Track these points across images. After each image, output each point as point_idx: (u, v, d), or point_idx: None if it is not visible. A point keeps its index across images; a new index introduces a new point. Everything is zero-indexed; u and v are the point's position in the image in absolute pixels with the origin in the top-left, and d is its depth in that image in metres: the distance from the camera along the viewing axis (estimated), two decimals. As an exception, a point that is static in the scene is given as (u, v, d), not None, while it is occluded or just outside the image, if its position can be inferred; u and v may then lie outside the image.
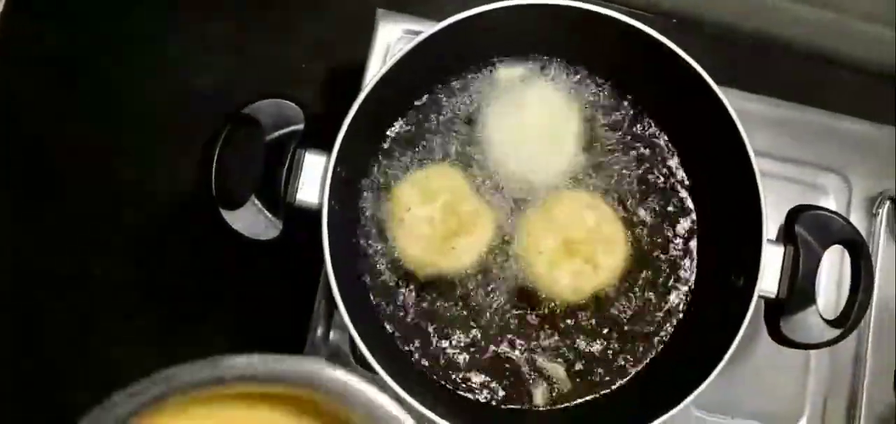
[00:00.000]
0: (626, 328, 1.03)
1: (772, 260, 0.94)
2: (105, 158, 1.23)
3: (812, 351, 1.11)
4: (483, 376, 1.01)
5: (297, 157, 0.93)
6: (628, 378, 1.02)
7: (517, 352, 1.02)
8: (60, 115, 1.24)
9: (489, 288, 1.02)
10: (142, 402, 0.72)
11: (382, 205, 1.02)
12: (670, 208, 1.05)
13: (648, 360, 1.03)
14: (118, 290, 1.22)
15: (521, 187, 1.03)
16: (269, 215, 0.92)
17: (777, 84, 1.21)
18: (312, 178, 0.93)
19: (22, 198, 1.23)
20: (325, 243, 0.91)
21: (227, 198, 0.91)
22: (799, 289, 0.94)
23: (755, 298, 0.93)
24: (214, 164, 0.90)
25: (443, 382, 1.01)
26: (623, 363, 1.02)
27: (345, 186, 0.97)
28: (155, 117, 1.25)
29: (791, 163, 1.16)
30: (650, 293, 1.03)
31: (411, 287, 1.02)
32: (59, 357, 1.20)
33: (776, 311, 0.95)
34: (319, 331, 1.09)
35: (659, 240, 1.04)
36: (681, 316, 1.03)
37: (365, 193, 1.03)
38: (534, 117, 1.04)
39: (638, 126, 1.06)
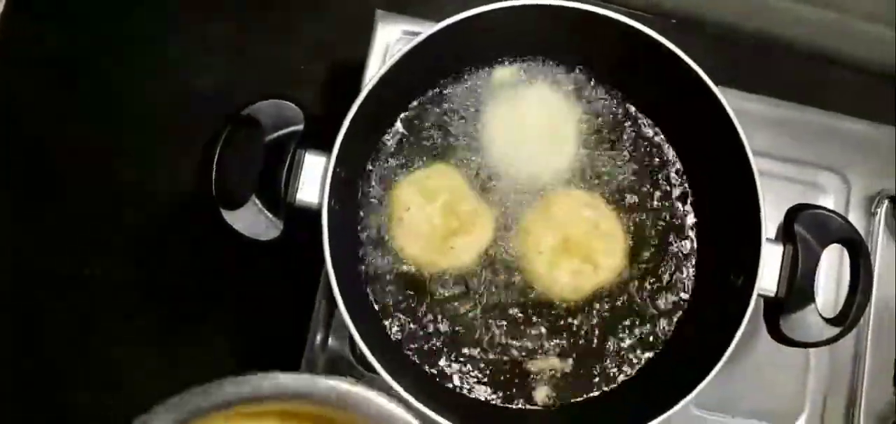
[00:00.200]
0: (625, 326, 1.03)
1: (771, 259, 0.94)
2: (105, 159, 1.23)
3: (811, 350, 1.11)
4: (483, 375, 1.01)
5: (297, 158, 0.93)
6: (628, 376, 1.02)
7: (517, 351, 1.02)
8: (61, 116, 1.24)
9: (489, 288, 1.02)
10: (179, 417, 0.74)
11: (382, 205, 1.03)
12: (669, 207, 1.05)
13: (648, 359, 1.03)
14: (118, 290, 1.22)
15: (521, 187, 1.03)
16: (270, 215, 0.92)
17: (777, 84, 1.22)
18: (312, 178, 0.93)
19: (22, 199, 1.23)
20: (325, 243, 0.91)
21: (227, 199, 0.91)
22: (798, 288, 0.94)
23: (754, 297, 0.93)
24: (215, 165, 0.90)
25: (443, 381, 1.01)
26: (623, 361, 1.03)
27: (345, 186, 0.97)
28: (155, 118, 1.25)
29: (790, 163, 1.16)
30: (649, 291, 1.03)
31: (411, 286, 1.02)
32: (60, 357, 1.20)
33: (775, 310, 0.95)
34: (319, 331, 1.09)
35: (658, 240, 1.04)
36: (680, 314, 1.03)
37: (365, 193, 1.03)
38: (533, 117, 1.04)
39: (637, 126, 1.06)
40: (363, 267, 1.02)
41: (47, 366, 1.20)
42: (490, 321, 1.02)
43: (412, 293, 1.02)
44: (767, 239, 0.94)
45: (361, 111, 0.93)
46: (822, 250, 0.95)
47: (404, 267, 1.02)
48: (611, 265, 1.02)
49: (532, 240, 1.01)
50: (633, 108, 1.06)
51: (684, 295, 1.04)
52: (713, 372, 0.91)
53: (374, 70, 1.06)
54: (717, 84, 0.95)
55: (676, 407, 0.92)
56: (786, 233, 0.96)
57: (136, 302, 1.22)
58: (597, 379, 1.02)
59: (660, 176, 1.05)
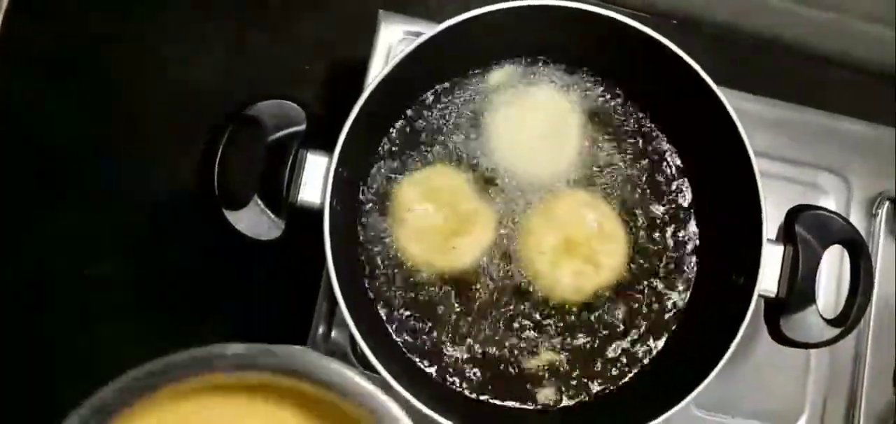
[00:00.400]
0: (626, 327, 1.03)
1: (772, 260, 0.94)
2: (104, 158, 1.23)
3: (812, 351, 1.11)
4: (484, 375, 1.01)
5: (299, 158, 0.93)
6: (629, 377, 1.02)
7: (518, 352, 1.02)
8: (60, 115, 1.24)
9: (490, 288, 1.02)
10: (131, 393, 0.73)
11: (384, 205, 1.03)
12: (670, 207, 1.05)
13: (649, 359, 1.03)
14: (117, 291, 1.21)
15: (522, 187, 1.03)
16: (272, 215, 0.92)
17: (777, 84, 1.21)
18: (314, 179, 0.93)
19: (21, 198, 1.23)
20: (326, 243, 0.91)
21: (229, 199, 0.91)
22: (799, 289, 0.94)
23: (755, 297, 0.93)
24: (217, 164, 0.90)
25: (445, 381, 1.01)
26: (624, 362, 1.03)
27: (346, 186, 0.97)
28: (155, 117, 1.25)
29: (790, 164, 1.16)
30: (651, 292, 1.04)
31: (413, 286, 1.02)
32: (59, 357, 1.20)
33: (776, 310, 0.95)
34: (321, 331, 1.09)
35: (659, 240, 1.04)
36: (681, 315, 1.04)
37: (366, 193, 1.03)
38: (535, 118, 1.05)
39: (638, 126, 1.06)
40: (364, 267, 1.02)
41: (46, 367, 1.20)
42: (491, 321, 1.02)
43: (414, 293, 1.02)
44: (768, 239, 0.94)
45: (364, 111, 0.93)
46: (823, 251, 0.95)
47: (406, 267, 1.02)
48: (612, 265, 1.02)
49: (534, 241, 1.01)
50: (634, 109, 1.06)
51: (685, 296, 1.04)
52: (714, 373, 0.92)
53: (377, 70, 1.05)
54: (716, 84, 0.95)
55: (677, 408, 0.92)
56: (787, 234, 0.96)
57: (135, 302, 1.21)
58: (597, 380, 1.02)
59: (661, 176, 1.05)
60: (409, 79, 0.98)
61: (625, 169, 1.05)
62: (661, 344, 1.03)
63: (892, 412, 1.12)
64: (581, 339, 1.02)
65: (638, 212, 1.04)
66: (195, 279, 1.22)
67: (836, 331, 0.95)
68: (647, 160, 1.06)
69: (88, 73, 1.26)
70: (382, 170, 1.04)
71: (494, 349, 1.02)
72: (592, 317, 1.03)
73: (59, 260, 1.22)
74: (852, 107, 1.20)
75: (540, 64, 1.06)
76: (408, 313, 1.02)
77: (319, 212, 0.92)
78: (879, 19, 1.20)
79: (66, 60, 1.26)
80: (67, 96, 1.25)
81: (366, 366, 1.04)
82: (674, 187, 1.05)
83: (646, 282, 1.04)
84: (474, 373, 1.01)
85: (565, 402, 1.02)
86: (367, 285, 1.02)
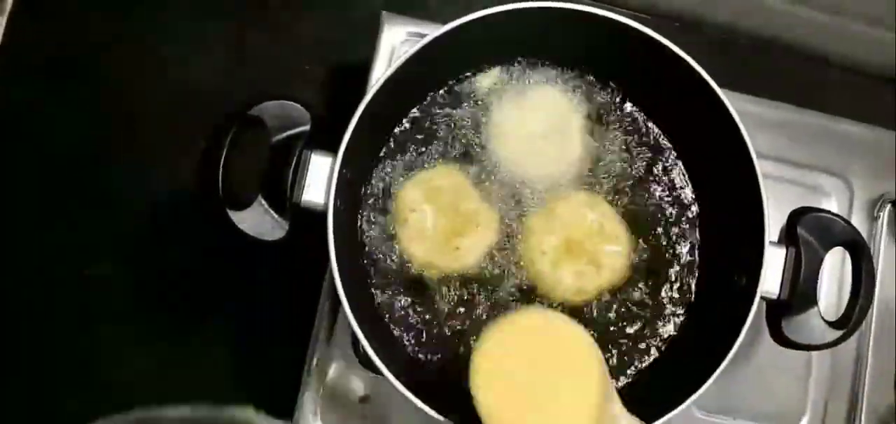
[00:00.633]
0: (628, 328, 1.03)
1: (773, 262, 0.94)
2: (105, 159, 1.23)
3: (813, 353, 1.12)
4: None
5: (303, 158, 0.93)
6: (630, 378, 1.03)
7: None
8: (60, 116, 1.24)
9: (493, 288, 1.02)
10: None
11: (387, 206, 1.03)
12: (672, 209, 1.05)
13: (650, 360, 1.03)
14: (118, 291, 1.22)
15: (525, 188, 1.04)
16: (275, 215, 0.92)
17: (778, 86, 1.22)
18: (318, 179, 0.93)
19: (22, 200, 1.23)
20: (330, 243, 0.91)
21: (233, 199, 0.91)
22: (800, 291, 0.94)
23: (757, 299, 0.93)
24: (221, 165, 0.90)
25: (446, 381, 1.01)
26: (625, 363, 1.03)
27: (350, 187, 0.97)
28: (155, 117, 1.25)
29: (792, 166, 1.16)
30: (653, 293, 1.04)
31: (415, 286, 1.02)
32: (59, 358, 1.20)
33: (778, 312, 0.95)
34: (323, 331, 1.09)
35: (661, 241, 1.05)
36: (683, 316, 1.04)
37: (370, 194, 1.03)
38: (537, 119, 1.05)
39: (641, 128, 1.06)
40: (368, 268, 1.02)
41: (46, 367, 1.20)
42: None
43: (416, 293, 1.02)
44: (770, 241, 0.94)
45: (367, 112, 0.94)
46: (825, 253, 0.95)
47: (409, 268, 1.02)
48: (614, 266, 1.02)
49: (535, 241, 1.01)
50: (637, 111, 1.06)
51: (687, 297, 1.04)
52: (716, 374, 0.92)
53: (380, 71, 1.06)
54: (717, 86, 0.95)
55: (678, 410, 0.92)
56: (788, 236, 0.96)
57: (136, 303, 1.22)
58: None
59: (663, 178, 1.05)
60: (412, 80, 0.98)
61: (626, 170, 1.05)
62: (662, 345, 1.03)
63: (893, 414, 1.12)
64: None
65: (639, 212, 1.04)
66: (196, 279, 1.22)
67: (837, 333, 0.94)
68: (648, 161, 1.06)
69: (89, 75, 1.26)
70: (385, 171, 1.04)
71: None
72: (594, 318, 1.03)
73: (59, 260, 1.22)
74: (853, 110, 1.20)
75: (542, 65, 1.06)
76: (410, 313, 1.02)
77: (323, 212, 0.92)
78: (880, 22, 1.21)
79: (66, 62, 1.26)
80: (68, 98, 1.25)
81: (368, 366, 1.04)
82: (675, 188, 1.05)
83: (647, 284, 1.04)
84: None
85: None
86: (369, 285, 1.02)
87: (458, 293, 1.02)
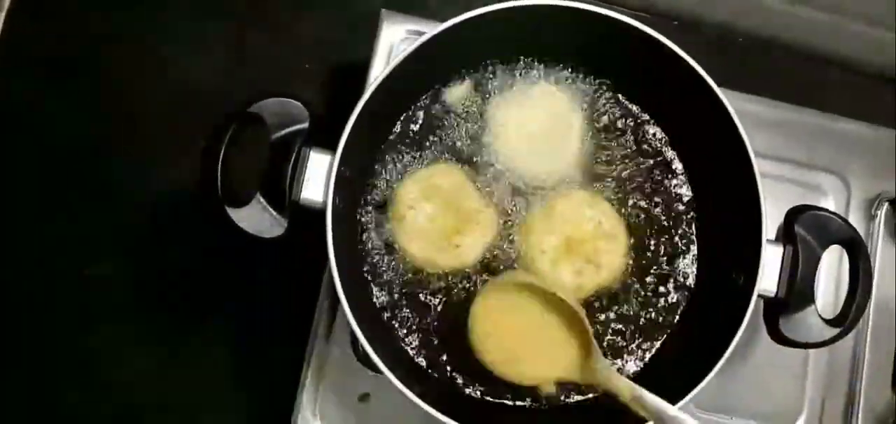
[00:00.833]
0: (626, 326, 1.03)
1: (771, 260, 0.95)
2: (105, 158, 1.23)
3: (810, 351, 1.12)
4: (484, 373, 1.01)
5: (302, 156, 0.93)
6: (629, 376, 1.03)
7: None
8: (60, 115, 1.25)
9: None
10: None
11: (386, 203, 1.03)
12: (671, 207, 1.05)
13: (648, 358, 1.03)
14: (118, 291, 1.22)
15: (524, 186, 1.04)
16: (274, 213, 0.92)
17: (776, 85, 1.22)
18: (317, 176, 0.93)
19: (22, 198, 1.23)
20: (328, 241, 0.91)
21: (232, 196, 0.91)
22: (798, 289, 0.95)
23: (754, 297, 0.93)
24: (220, 162, 0.90)
25: (445, 379, 1.01)
26: (623, 361, 1.03)
27: (348, 184, 0.97)
28: (155, 116, 1.25)
29: (790, 164, 1.16)
30: (651, 291, 1.04)
31: (414, 284, 1.02)
32: (59, 357, 1.20)
33: (775, 310, 0.96)
34: (322, 329, 1.09)
35: (659, 239, 1.05)
36: (680, 314, 1.04)
37: (368, 191, 1.03)
38: (536, 117, 1.05)
39: (640, 126, 1.06)
40: (366, 265, 1.02)
41: (46, 366, 1.20)
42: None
43: (415, 291, 1.02)
44: (768, 239, 0.94)
45: (366, 110, 0.94)
46: (823, 251, 0.95)
47: (407, 265, 1.02)
48: (612, 264, 1.02)
49: (535, 240, 1.01)
50: (635, 109, 1.07)
51: (685, 295, 1.04)
52: (713, 372, 0.92)
53: (379, 69, 1.06)
54: (716, 84, 0.96)
55: (676, 407, 0.91)
56: (786, 234, 0.96)
57: (135, 302, 1.22)
58: (597, 379, 1.02)
59: (661, 176, 1.06)
60: (410, 77, 0.98)
61: (625, 168, 1.05)
62: (660, 343, 1.04)
63: (890, 412, 1.12)
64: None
65: (638, 211, 1.05)
66: (196, 278, 1.22)
67: (834, 331, 0.95)
68: (647, 159, 1.06)
69: (88, 74, 1.26)
70: (384, 169, 1.04)
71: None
72: (593, 316, 1.03)
73: (59, 259, 1.22)
74: (852, 108, 1.20)
75: (542, 64, 1.06)
76: (409, 310, 1.02)
77: (322, 210, 0.92)
78: (879, 21, 1.21)
79: (66, 60, 1.26)
80: (68, 96, 1.25)
81: (367, 364, 1.05)
82: (674, 187, 1.05)
83: (646, 282, 1.04)
84: (475, 370, 1.01)
85: (565, 400, 1.02)
86: (368, 283, 1.02)
87: (456, 291, 1.02)
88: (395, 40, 1.14)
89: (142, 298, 1.22)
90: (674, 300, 1.04)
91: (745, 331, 0.92)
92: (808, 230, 0.95)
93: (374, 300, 1.02)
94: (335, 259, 0.91)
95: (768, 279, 0.95)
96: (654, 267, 1.04)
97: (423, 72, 1.01)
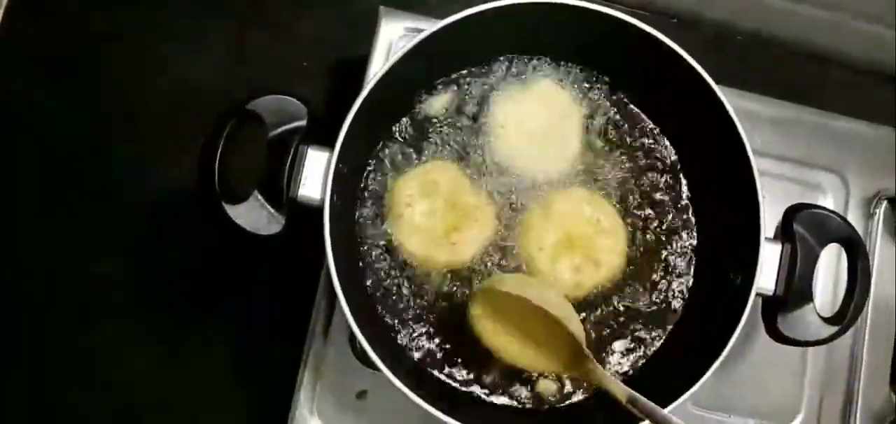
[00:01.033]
0: (624, 324, 1.03)
1: (769, 258, 0.95)
2: (104, 156, 1.23)
3: (809, 349, 1.12)
4: (482, 371, 1.01)
5: (299, 153, 0.93)
6: (627, 374, 1.03)
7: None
8: (60, 114, 1.24)
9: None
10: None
11: (383, 200, 1.03)
12: (669, 205, 1.05)
13: (646, 356, 1.03)
14: (118, 289, 1.22)
15: (522, 183, 1.04)
16: (272, 210, 0.92)
17: (775, 83, 1.22)
18: (315, 174, 0.93)
19: (22, 198, 1.23)
20: (326, 238, 0.91)
21: (230, 193, 0.91)
22: (796, 287, 0.95)
23: (753, 295, 0.93)
24: (218, 159, 0.90)
25: (443, 377, 1.01)
26: (621, 359, 1.03)
27: (346, 181, 0.98)
28: (155, 116, 1.25)
29: (788, 163, 1.16)
30: (649, 289, 1.04)
31: (412, 281, 1.02)
32: (59, 357, 1.20)
33: (773, 308, 0.96)
34: (320, 326, 1.09)
35: (658, 237, 1.05)
36: (679, 312, 1.04)
37: (366, 188, 1.03)
38: (535, 114, 1.05)
39: (638, 124, 1.07)
40: (364, 262, 1.02)
41: (46, 366, 1.20)
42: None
43: (413, 288, 1.02)
44: (766, 237, 0.94)
45: (364, 107, 0.94)
46: (821, 249, 0.95)
47: (405, 262, 1.02)
48: (611, 262, 1.02)
49: (533, 237, 1.01)
50: (634, 107, 1.07)
51: (683, 293, 1.04)
52: (711, 370, 0.92)
53: (378, 66, 1.06)
54: (714, 82, 0.96)
55: (674, 405, 0.92)
56: (784, 233, 0.96)
57: (135, 301, 1.22)
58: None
59: (660, 174, 1.06)
60: (409, 75, 0.98)
61: (624, 166, 1.05)
62: (658, 341, 1.04)
63: (888, 410, 1.12)
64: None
65: (637, 209, 1.05)
66: (196, 277, 1.22)
67: (833, 330, 0.95)
68: (645, 157, 1.06)
69: (88, 73, 1.26)
70: (382, 166, 1.04)
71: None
72: (592, 314, 1.03)
73: (59, 258, 1.22)
74: (851, 107, 1.20)
75: (541, 61, 1.06)
76: (407, 308, 1.02)
77: (320, 207, 0.92)
78: (878, 19, 1.21)
79: (66, 60, 1.26)
80: (67, 95, 1.25)
81: (365, 362, 1.04)
82: (672, 185, 1.05)
83: (644, 280, 1.04)
84: (473, 369, 1.01)
85: (563, 399, 1.02)
86: (366, 280, 1.02)
87: (455, 288, 1.02)
88: (394, 37, 1.14)
89: (142, 297, 1.22)
90: (672, 298, 1.04)
91: (744, 329, 0.92)
92: (806, 228, 0.95)
93: (372, 297, 1.02)
94: (333, 256, 0.91)
95: (766, 277, 0.95)
96: (653, 265, 1.04)
97: (422, 69, 1.01)
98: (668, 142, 1.06)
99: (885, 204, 1.15)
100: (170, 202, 1.23)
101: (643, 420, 0.90)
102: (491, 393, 1.01)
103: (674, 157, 1.06)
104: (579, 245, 1.01)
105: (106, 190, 1.24)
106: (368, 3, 1.20)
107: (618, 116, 1.07)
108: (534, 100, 1.05)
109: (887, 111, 1.22)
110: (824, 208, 0.97)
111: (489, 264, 1.02)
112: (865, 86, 1.27)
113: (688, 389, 0.92)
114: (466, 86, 1.06)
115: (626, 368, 1.03)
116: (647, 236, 1.05)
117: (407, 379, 0.91)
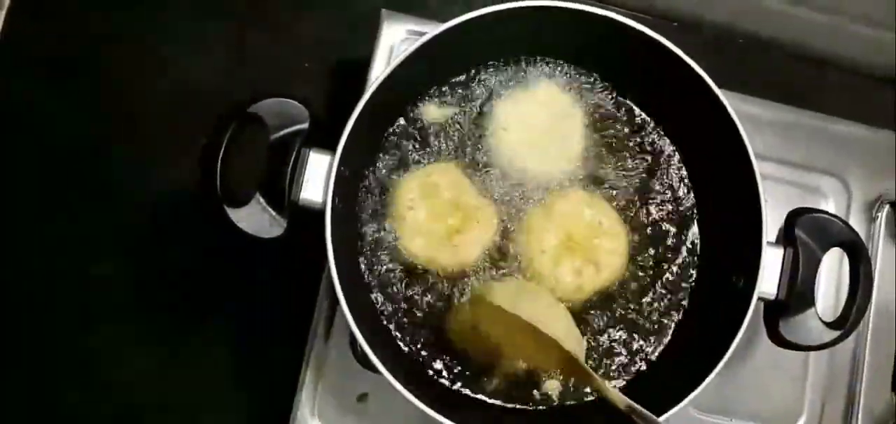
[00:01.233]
0: (626, 327, 1.03)
1: (771, 262, 0.95)
2: (104, 158, 1.23)
3: (810, 353, 1.12)
4: (483, 374, 1.01)
5: (301, 156, 0.93)
6: (628, 377, 1.03)
7: (518, 352, 1.02)
8: (60, 115, 1.24)
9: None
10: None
11: (385, 203, 1.03)
12: (671, 208, 1.05)
13: (648, 360, 1.03)
14: (118, 291, 1.22)
15: (524, 186, 1.04)
16: (273, 213, 0.92)
17: (776, 87, 1.22)
18: (316, 177, 0.93)
19: (22, 198, 1.23)
20: (328, 241, 0.91)
21: (231, 196, 0.91)
22: (798, 291, 0.95)
23: (754, 300, 0.93)
24: (219, 162, 0.90)
25: (443, 380, 1.01)
26: (623, 362, 1.03)
27: (348, 184, 0.98)
28: (155, 117, 1.25)
29: (790, 166, 1.16)
30: (650, 293, 1.04)
31: (413, 284, 1.02)
32: (59, 357, 1.20)
33: (775, 313, 0.96)
34: (321, 329, 1.09)
35: (659, 240, 1.05)
36: (680, 316, 1.04)
37: (368, 191, 1.03)
38: (537, 117, 1.05)
39: (640, 128, 1.06)
40: (366, 265, 1.02)
41: (47, 366, 1.20)
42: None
43: (415, 290, 1.02)
44: (768, 242, 0.94)
45: (366, 110, 0.94)
46: (823, 254, 0.95)
47: (407, 265, 1.02)
48: (613, 265, 1.02)
49: (535, 239, 1.01)
50: (636, 110, 1.07)
51: (685, 297, 1.04)
52: (713, 374, 0.92)
53: (379, 69, 1.06)
54: (716, 86, 0.96)
55: (675, 409, 0.92)
56: (786, 237, 0.96)
57: (135, 302, 1.22)
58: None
59: (661, 177, 1.06)
60: (411, 78, 0.99)
61: (625, 169, 1.05)
62: (660, 345, 1.03)
63: (890, 414, 1.12)
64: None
65: (638, 212, 1.05)
66: (196, 278, 1.21)
67: (834, 334, 0.95)
68: (647, 160, 1.06)
69: (88, 73, 1.26)
70: (384, 168, 1.04)
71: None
72: (593, 317, 1.03)
73: (59, 259, 1.22)
74: (850, 110, 1.20)
75: (542, 63, 1.06)
76: (408, 310, 1.02)
77: (321, 210, 0.92)
78: (878, 22, 1.21)
79: (66, 60, 1.26)
80: (68, 96, 1.25)
81: (366, 365, 1.04)
82: (674, 188, 1.05)
83: (646, 283, 1.04)
84: (473, 370, 1.01)
85: (564, 402, 1.02)
86: (367, 283, 1.02)
87: (456, 290, 1.02)
88: (396, 40, 1.14)
89: (142, 298, 1.22)
90: (674, 301, 1.04)
91: (745, 333, 0.92)
92: (808, 232, 0.95)
93: (373, 300, 1.02)
94: (334, 259, 0.91)
95: (768, 281, 0.95)
96: (655, 269, 1.04)
97: (424, 72, 1.01)
98: (669, 145, 1.06)
99: (886, 208, 1.15)
100: (170, 203, 1.23)
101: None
102: (492, 396, 1.01)
103: (675, 160, 1.06)
104: (580, 247, 1.01)
105: (106, 191, 1.24)
106: (369, 4, 1.20)
107: (619, 118, 1.07)
108: (535, 102, 1.05)
109: (887, 114, 1.22)
110: (826, 212, 0.97)
111: (491, 266, 1.02)
112: (864, 90, 1.27)
113: (690, 393, 0.92)
114: (468, 89, 1.06)
115: (627, 371, 1.03)
116: (649, 239, 1.05)
117: (407, 382, 0.91)
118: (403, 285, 1.02)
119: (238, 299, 1.21)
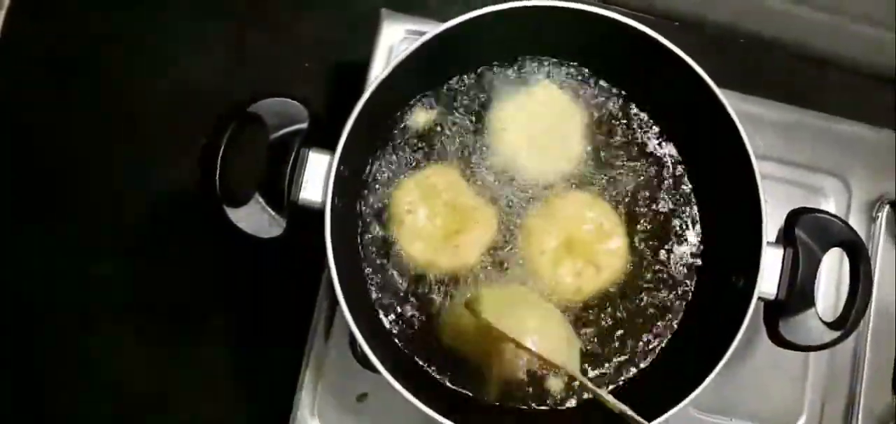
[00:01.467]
0: (626, 328, 1.03)
1: (771, 262, 0.95)
2: (105, 157, 1.23)
3: (811, 354, 1.12)
4: (481, 373, 1.01)
5: (300, 156, 0.93)
6: (628, 377, 1.03)
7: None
8: (60, 115, 1.24)
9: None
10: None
11: (385, 204, 1.03)
12: (671, 209, 1.05)
13: (647, 361, 1.03)
14: (118, 291, 1.22)
15: (524, 187, 1.04)
16: (273, 213, 0.92)
17: (776, 86, 1.22)
18: (316, 177, 0.93)
19: (22, 198, 1.23)
20: (327, 241, 0.91)
21: (231, 196, 0.91)
22: (798, 291, 0.94)
23: (754, 300, 0.93)
24: (219, 161, 0.90)
25: (443, 380, 1.01)
26: (623, 363, 1.03)
27: (348, 184, 0.98)
28: (155, 116, 1.25)
29: (790, 166, 1.16)
30: (650, 293, 1.04)
31: (413, 285, 1.02)
32: (59, 357, 1.20)
33: (775, 313, 0.95)
34: (321, 329, 1.09)
35: (660, 241, 1.05)
36: (680, 316, 1.04)
37: (367, 192, 1.03)
38: (537, 118, 1.05)
39: (639, 127, 1.06)
40: (365, 265, 1.02)
41: (46, 367, 1.20)
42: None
43: (414, 291, 1.02)
44: (768, 242, 0.94)
45: (365, 110, 0.94)
46: (823, 254, 0.95)
47: (406, 266, 1.02)
48: (612, 266, 1.02)
49: (535, 241, 1.01)
50: (636, 110, 1.06)
51: (685, 297, 1.04)
52: (713, 374, 0.92)
53: (379, 69, 1.06)
54: (716, 85, 0.95)
55: (675, 409, 0.92)
56: (786, 237, 0.96)
57: (134, 302, 1.22)
58: (597, 381, 1.02)
59: (661, 177, 1.05)
60: (410, 78, 0.99)
61: (626, 169, 1.05)
62: (660, 345, 1.03)
63: (890, 415, 1.12)
64: (581, 340, 1.02)
65: (638, 212, 1.05)
66: (196, 278, 1.22)
67: (835, 334, 0.95)
68: (647, 161, 1.06)
69: (88, 74, 1.26)
70: (383, 169, 1.04)
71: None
72: (593, 318, 1.03)
73: (59, 259, 1.22)
74: (852, 110, 1.19)
75: (543, 64, 1.06)
76: (408, 311, 1.02)
77: (321, 210, 0.92)
78: (879, 22, 1.21)
79: (66, 61, 1.26)
80: (68, 96, 1.25)
81: (366, 365, 1.04)
82: (674, 188, 1.05)
83: (646, 284, 1.04)
84: (473, 372, 1.01)
85: (564, 402, 1.02)
86: (367, 283, 1.02)
87: (455, 292, 1.02)
88: (396, 40, 1.14)
89: (142, 298, 1.22)
90: (674, 301, 1.04)
91: (745, 333, 0.92)
92: (808, 232, 0.95)
93: (373, 300, 1.02)
94: (334, 259, 0.91)
95: (768, 281, 0.95)
96: (654, 269, 1.04)
97: (424, 71, 1.01)
98: (669, 145, 1.06)
99: (887, 208, 1.15)
100: (170, 203, 1.23)
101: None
102: (491, 396, 1.01)
103: (676, 160, 1.06)
104: (580, 248, 1.01)
105: (106, 191, 1.23)
106: (368, 4, 1.20)
107: (619, 119, 1.06)
108: (535, 102, 1.05)
109: (887, 114, 1.22)
110: (826, 212, 0.97)
111: (490, 268, 1.02)
112: (865, 89, 1.27)
113: (690, 393, 0.92)
114: (467, 89, 1.06)
115: (627, 372, 1.03)
116: (649, 240, 1.04)
117: (407, 382, 0.91)
118: (403, 285, 1.02)
119: (238, 299, 1.21)
